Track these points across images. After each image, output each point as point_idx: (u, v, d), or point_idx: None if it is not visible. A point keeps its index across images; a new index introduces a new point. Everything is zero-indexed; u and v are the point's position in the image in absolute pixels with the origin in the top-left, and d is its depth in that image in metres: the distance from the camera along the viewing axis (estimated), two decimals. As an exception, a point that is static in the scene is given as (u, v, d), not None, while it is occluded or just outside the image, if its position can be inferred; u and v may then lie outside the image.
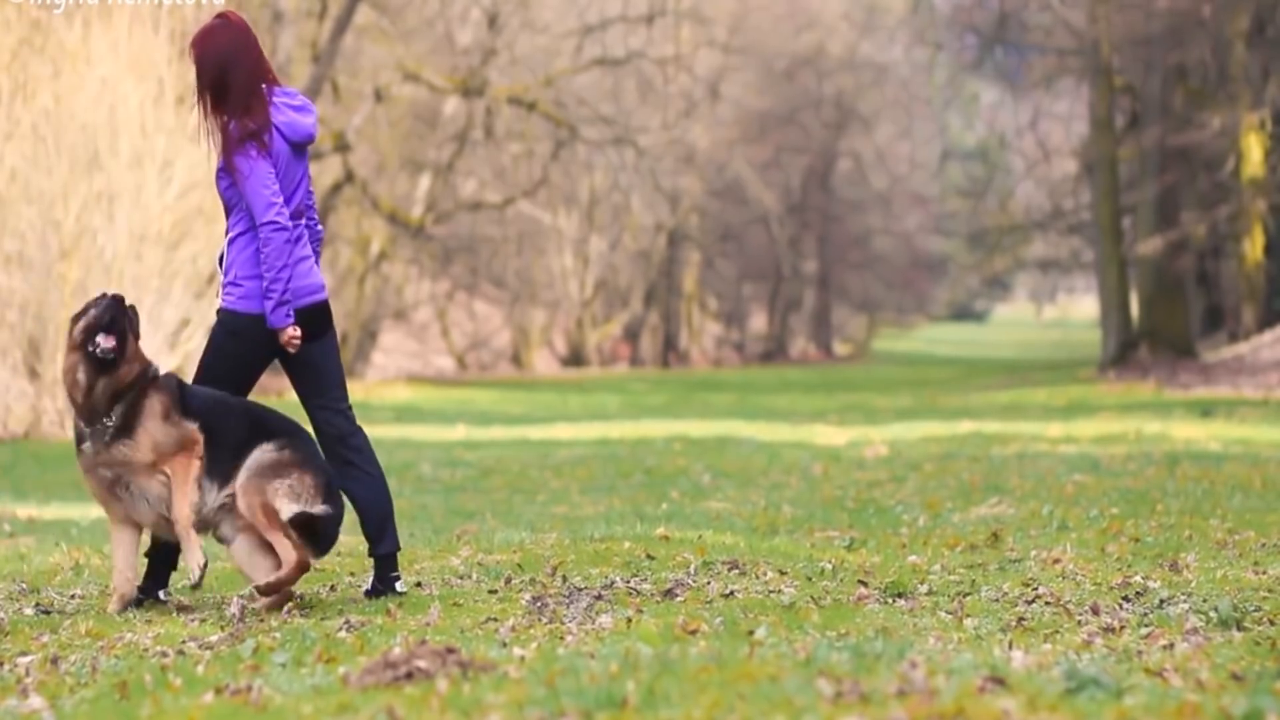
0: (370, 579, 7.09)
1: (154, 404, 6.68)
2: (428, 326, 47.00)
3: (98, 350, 6.66)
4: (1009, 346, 62.70)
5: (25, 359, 20.37)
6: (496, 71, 37.54)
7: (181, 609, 6.86)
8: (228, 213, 6.90)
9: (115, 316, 6.71)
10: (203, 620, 6.61)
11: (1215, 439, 16.30)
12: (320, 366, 6.97)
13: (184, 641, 6.17)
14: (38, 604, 7.11)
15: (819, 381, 38.87)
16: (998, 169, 52.04)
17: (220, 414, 6.75)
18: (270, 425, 6.80)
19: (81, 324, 6.73)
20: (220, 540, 6.84)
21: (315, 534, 6.70)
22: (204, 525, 6.75)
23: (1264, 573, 7.36)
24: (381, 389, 32.73)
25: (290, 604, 6.74)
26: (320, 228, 7.18)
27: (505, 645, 5.72)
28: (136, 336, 6.80)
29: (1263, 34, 31.96)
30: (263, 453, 6.70)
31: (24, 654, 6.04)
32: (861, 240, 55.30)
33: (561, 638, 5.93)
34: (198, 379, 6.96)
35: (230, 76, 6.81)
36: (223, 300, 6.92)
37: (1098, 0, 32.45)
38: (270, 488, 6.65)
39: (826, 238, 54.17)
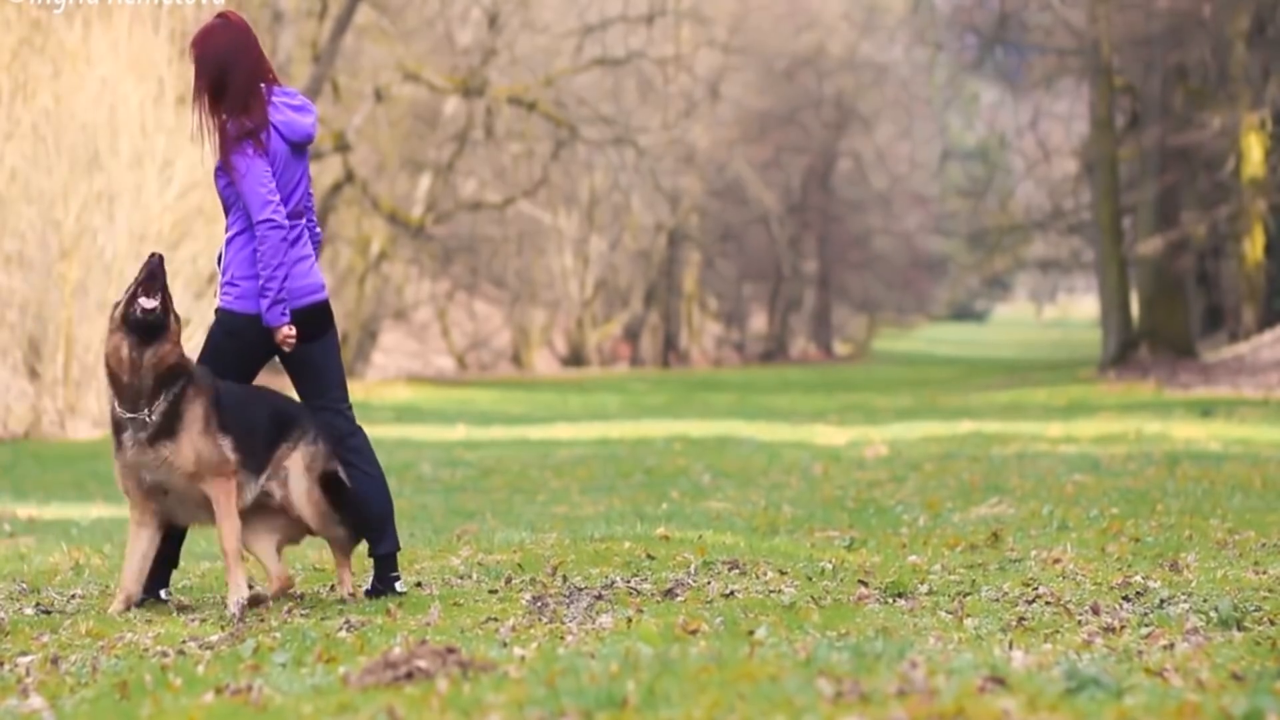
0: (370, 579, 7.10)
1: (196, 409, 6.60)
2: (428, 326, 46.99)
3: (138, 310, 6.54)
4: (1009, 346, 62.67)
5: (25, 359, 20.38)
6: (496, 71, 37.54)
7: (181, 609, 6.86)
8: (226, 212, 6.90)
9: (155, 273, 6.57)
10: (203, 620, 6.61)
11: (1215, 439, 16.29)
12: (321, 366, 6.97)
13: (184, 641, 6.17)
14: (38, 604, 7.11)
15: (819, 381, 38.85)
16: (998, 169, 52.02)
17: (252, 406, 6.80)
18: (286, 412, 6.89)
19: (124, 298, 6.64)
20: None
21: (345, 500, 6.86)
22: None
23: (1264, 573, 7.36)
24: (382, 389, 32.72)
25: (290, 604, 6.75)
26: (319, 230, 7.18)
27: (505, 645, 5.72)
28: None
29: (1263, 34, 31.95)
30: (302, 454, 6.80)
31: (24, 654, 6.04)
32: (861, 240, 55.28)
33: (562, 638, 5.92)
34: (197, 378, 6.98)
35: (230, 76, 6.81)
36: (220, 300, 6.91)
37: (1098, 0, 32.44)
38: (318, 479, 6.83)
39: (826, 238, 54.16)
